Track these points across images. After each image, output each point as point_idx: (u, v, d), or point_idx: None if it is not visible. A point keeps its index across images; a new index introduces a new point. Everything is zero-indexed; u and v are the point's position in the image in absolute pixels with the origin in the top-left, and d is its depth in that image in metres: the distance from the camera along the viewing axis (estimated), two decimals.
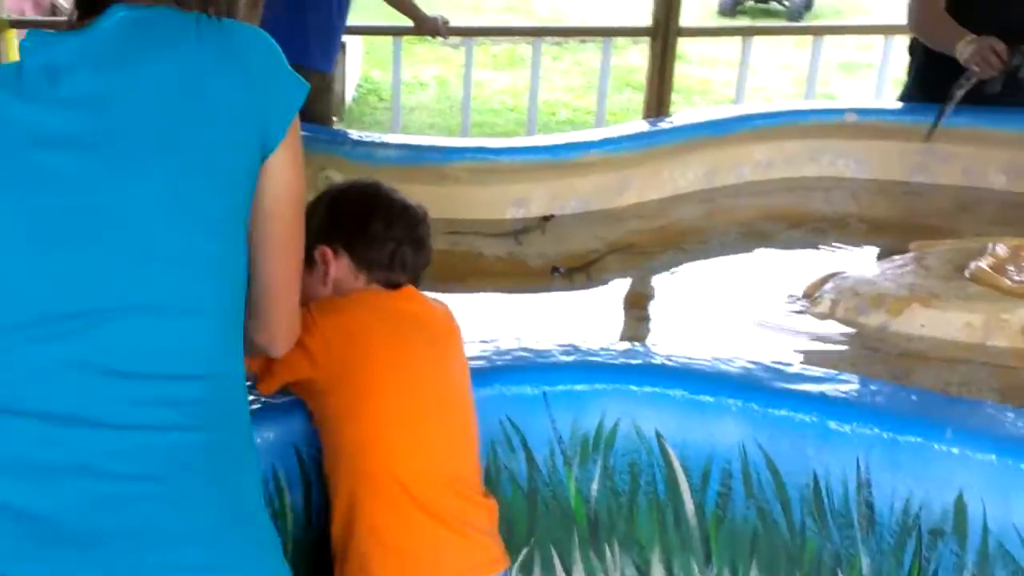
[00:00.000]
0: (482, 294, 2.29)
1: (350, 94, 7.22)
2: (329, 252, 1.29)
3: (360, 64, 7.95)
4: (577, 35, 7.00)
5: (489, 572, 1.22)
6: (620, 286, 2.32)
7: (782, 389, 1.31)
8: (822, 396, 1.30)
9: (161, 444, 0.94)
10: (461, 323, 1.35)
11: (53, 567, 0.92)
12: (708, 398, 1.32)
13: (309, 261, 1.25)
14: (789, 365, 1.37)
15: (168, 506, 0.94)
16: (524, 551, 1.41)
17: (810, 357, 1.69)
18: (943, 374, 1.85)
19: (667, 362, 1.37)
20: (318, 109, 3.16)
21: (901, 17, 3.09)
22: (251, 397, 1.19)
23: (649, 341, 1.99)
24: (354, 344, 1.22)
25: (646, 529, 1.39)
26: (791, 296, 2.16)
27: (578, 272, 2.31)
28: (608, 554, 1.41)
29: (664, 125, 2.89)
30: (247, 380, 1.07)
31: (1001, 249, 2.14)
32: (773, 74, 7.77)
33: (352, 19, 3.42)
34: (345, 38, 6.01)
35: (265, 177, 1.00)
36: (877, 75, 4.11)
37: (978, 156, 2.87)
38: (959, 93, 2.66)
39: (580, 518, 1.40)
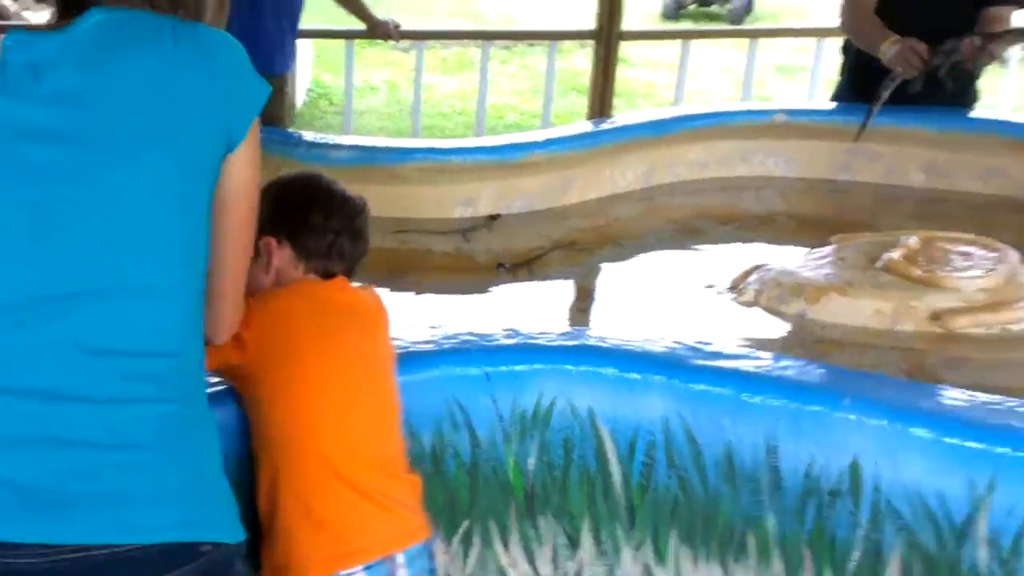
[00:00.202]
0: (432, 288, 2.41)
1: (300, 98, 7.28)
2: (273, 242, 1.39)
3: (310, 68, 8.01)
4: (524, 39, 7.18)
5: (412, 542, 1.32)
6: (562, 280, 2.45)
7: (700, 366, 1.45)
8: (736, 371, 1.44)
9: (137, 415, 1.05)
10: (412, 315, 1.47)
11: (31, 528, 1.01)
12: (636, 375, 1.46)
13: (253, 251, 1.33)
14: (708, 344, 1.51)
15: (142, 471, 1.04)
16: (465, 524, 1.53)
17: (733, 341, 1.82)
18: (855, 358, 2.00)
19: (599, 343, 1.50)
20: (270, 111, 3.24)
21: (834, 20, 3.27)
22: None
23: (594, 329, 2.12)
24: (284, 332, 1.31)
25: (577, 500, 1.52)
26: (719, 287, 2.32)
27: (522, 267, 2.44)
28: (542, 525, 1.54)
29: (604, 126, 3.03)
30: None
31: (913, 241, 2.31)
32: (714, 77, 7.98)
33: (304, 22, 3.51)
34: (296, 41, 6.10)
35: (226, 171, 1.11)
36: (810, 77, 4.29)
37: (899, 155, 3.04)
38: (885, 94, 2.83)
39: (517, 491, 1.52)
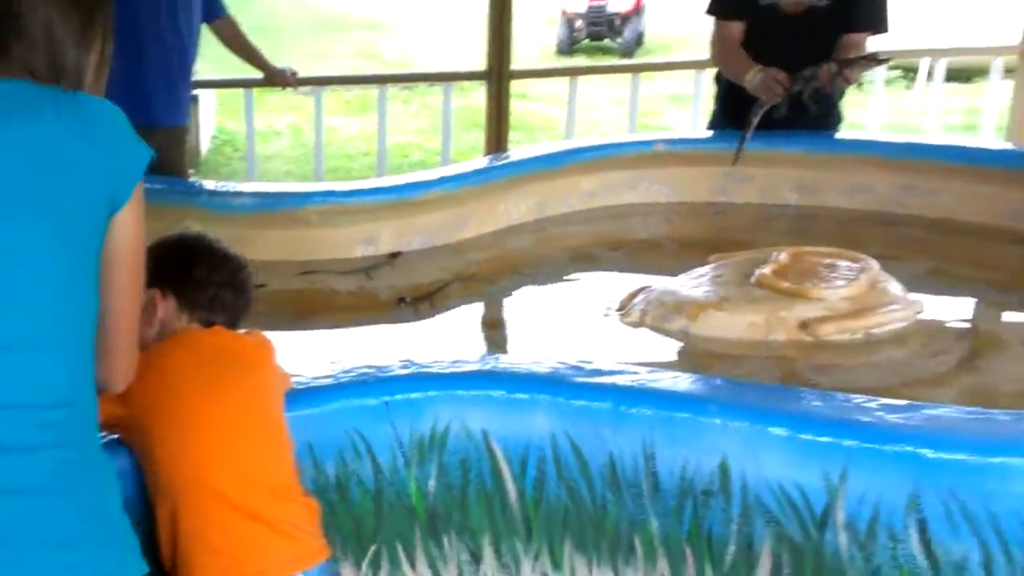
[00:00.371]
0: (337, 326, 2.49)
1: (205, 145, 7.30)
2: (158, 294, 1.48)
3: (214, 116, 8.03)
4: (419, 80, 7.33)
5: (310, 564, 1.41)
6: (462, 311, 2.56)
7: (581, 383, 1.58)
8: (613, 386, 1.57)
9: (35, 462, 1.12)
10: (319, 353, 1.56)
11: None
12: (523, 395, 1.58)
13: None
14: (588, 363, 1.64)
15: (46, 515, 1.12)
16: (372, 548, 1.62)
17: (619, 359, 1.95)
18: (733, 368, 2.15)
19: (488, 368, 1.62)
20: (170, 162, 3.31)
21: None
22: None
23: (486, 355, 2.24)
24: (166, 382, 1.40)
25: (477, 517, 1.62)
26: (608, 309, 2.46)
27: (423, 301, 2.55)
28: (446, 543, 1.64)
29: (496, 162, 3.16)
30: None
31: (783, 257, 2.49)
32: (609, 109, 8.25)
33: (206, 72, 3.58)
34: (197, 91, 6.13)
35: (112, 231, 1.19)
36: (692, 106, 4.52)
37: (772, 176, 3.25)
38: (754, 120, 3.06)
39: (420, 513, 1.62)
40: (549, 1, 14.17)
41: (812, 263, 2.47)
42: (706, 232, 3.16)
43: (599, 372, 1.59)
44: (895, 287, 2.41)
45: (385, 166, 4.38)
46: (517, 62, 4.31)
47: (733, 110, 3.23)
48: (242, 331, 1.57)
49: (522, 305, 2.60)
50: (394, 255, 2.85)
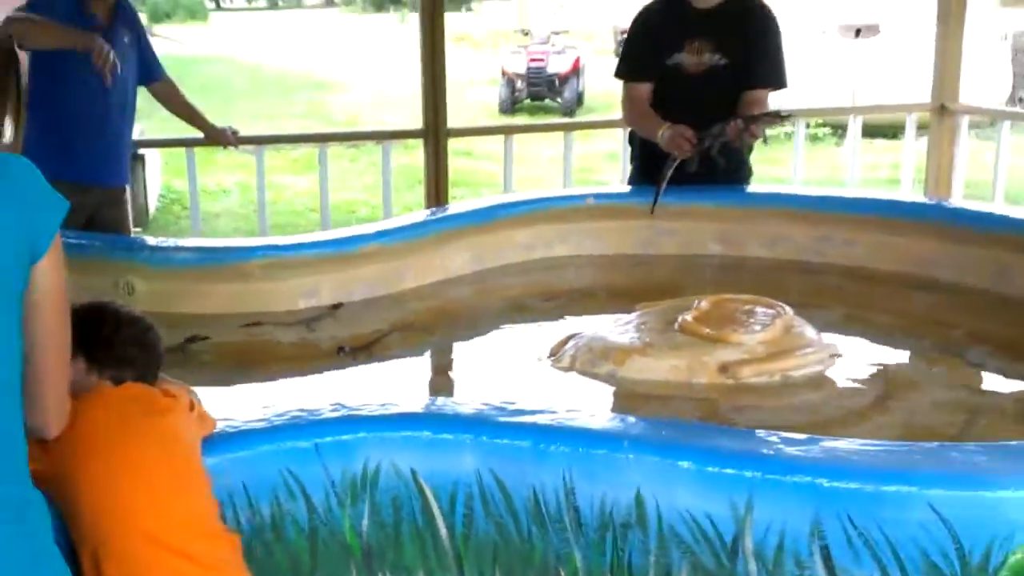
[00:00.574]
0: (278, 376, 2.55)
1: (153, 204, 7.33)
2: None
3: (160, 174, 8.07)
4: (358, 139, 7.47)
5: None
6: (400, 359, 2.63)
7: (503, 423, 1.67)
8: (534, 425, 1.66)
9: None
10: (260, 402, 1.63)
11: None
12: (448, 436, 1.66)
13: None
14: (512, 403, 1.73)
15: None
16: None
17: (550, 402, 2.04)
18: (659, 409, 2.26)
19: (414, 410, 1.70)
20: (112, 221, 3.38)
21: None
22: None
23: (421, 400, 2.31)
24: (79, 435, 1.46)
25: (411, 554, 1.69)
26: (540, 356, 2.56)
27: (362, 350, 2.62)
28: None
29: (434, 216, 3.27)
30: None
31: (705, 304, 2.61)
32: (548, 166, 8.47)
33: (151, 132, 3.64)
34: (142, 150, 6.20)
35: (34, 279, 1.28)
36: (621, 162, 4.69)
37: (695, 229, 3.40)
38: (668, 172, 3.22)
39: (355, 551, 1.68)
40: (490, 62, 14.52)
41: (731, 310, 2.60)
42: (635, 282, 3.28)
43: (520, 412, 1.69)
44: (810, 331, 2.55)
45: (330, 222, 4.46)
46: (461, 121, 4.45)
47: (648, 166, 3.40)
48: (163, 382, 1.65)
49: (458, 353, 2.69)
50: (335, 306, 2.92)
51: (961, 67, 4.77)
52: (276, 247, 2.97)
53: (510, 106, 13.40)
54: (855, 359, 2.53)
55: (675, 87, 3.36)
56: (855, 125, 5.06)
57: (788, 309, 2.57)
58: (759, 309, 2.59)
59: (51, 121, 3.29)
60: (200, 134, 3.94)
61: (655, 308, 2.69)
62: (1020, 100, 12.14)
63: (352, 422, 1.67)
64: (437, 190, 4.35)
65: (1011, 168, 4.91)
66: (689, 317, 2.52)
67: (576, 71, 13.46)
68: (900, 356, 2.73)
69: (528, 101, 13.70)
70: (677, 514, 1.58)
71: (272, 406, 1.70)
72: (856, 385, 2.42)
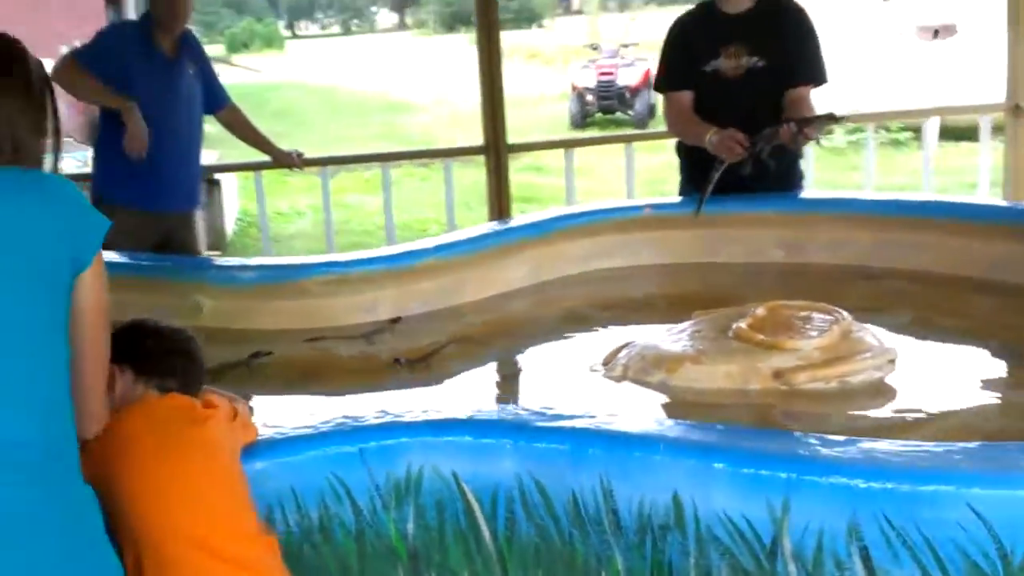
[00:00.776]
0: (338, 388, 2.60)
1: (230, 227, 7.57)
2: (115, 369, 1.64)
3: (237, 198, 8.33)
4: (420, 157, 7.59)
5: None
6: (457, 370, 2.67)
7: (542, 427, 1.69)
8: (571, 429, 1.68)
9: (12, 499, 1.27)
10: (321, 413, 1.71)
11: None
12: (488, 440, 1.69)
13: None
14: (550, 408, 1.76)
15: (23, 549, 1.25)
16: None
17: (589, 407, 2.05)
18: (710, 416, 2.25)
19: (455, 416, 1.74)
20: (182, 243, 3.53)
21: None
22: None
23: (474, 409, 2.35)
24: (124, 442, 1.55)
25: (455, 556, 1.73)
26: (594, 365, 2.57)
27: (419, 362, 2.67)
28: None
29: (491, 229, 3.32)
30: None
31: (760, 311, 2.60)
32: (615, 179, 8.47)
33: (228, 157, 3.77)
34: (219, 175, 6.42)
35: (77, 290, 1.37)
36: None
37: (756, 236, 3.37)
38: (714, 176, 3.22)
39: (402, 553, 1.73)
40: (561, 78, 14.58)
41: (787, 316, 2.58)
42: (695, 291, 3.26)
43: (558, 417, 1.71)
44: (870, 337, 2.50)
45: (395, 239, 4.55)
46: (532, 137, 4.49)
47: (695, 174, 3.41)
48: (208, 391, 1.74)
49: (514, 363, 2.72)
50: (394, 320, 2.98)
51: None
52: (335, 264, 3.05)
53: (581, 120, 13.45)
54: (918, 364, 2.48)
55: (715, 93, 3.36)
56: (930, 127, 4.95)
57: (846, 314, 2.53)
58: (816, 315, 2.56)
59: (115, 145, 3.46)
60: (268, 158, 4.08)
61: (710, 316, 2.68)
62: None
63: (395, 428, 1.72)
64: (500, 205, 4.41)
65: None
66: (743, 324, 2.50)
67: (647, 83, 13.41)
68: (965, 360, 2.66)
69: (599, 115, 13.72)
70: (715, 516, 1.58)
71: (318, 413, 1.76)
72: (917, 390, 2.37)
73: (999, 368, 2.53)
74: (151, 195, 3.46)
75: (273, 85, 16.59)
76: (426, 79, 18.38)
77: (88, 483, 1.48)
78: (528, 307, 3.17)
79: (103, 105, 3.53)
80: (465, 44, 25.10)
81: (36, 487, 1.29)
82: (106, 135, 3.51)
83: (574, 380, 2.50)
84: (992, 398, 2.34)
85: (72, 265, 1.36)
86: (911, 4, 11.63)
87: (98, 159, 3.62)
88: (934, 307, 2.96)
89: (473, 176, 8.20)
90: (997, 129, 4.94)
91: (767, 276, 3.30)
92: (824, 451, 1.54)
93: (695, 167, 3.45)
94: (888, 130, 11.56)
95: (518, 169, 11.02)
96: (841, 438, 1.58)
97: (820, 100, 3.46)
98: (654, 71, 3.75)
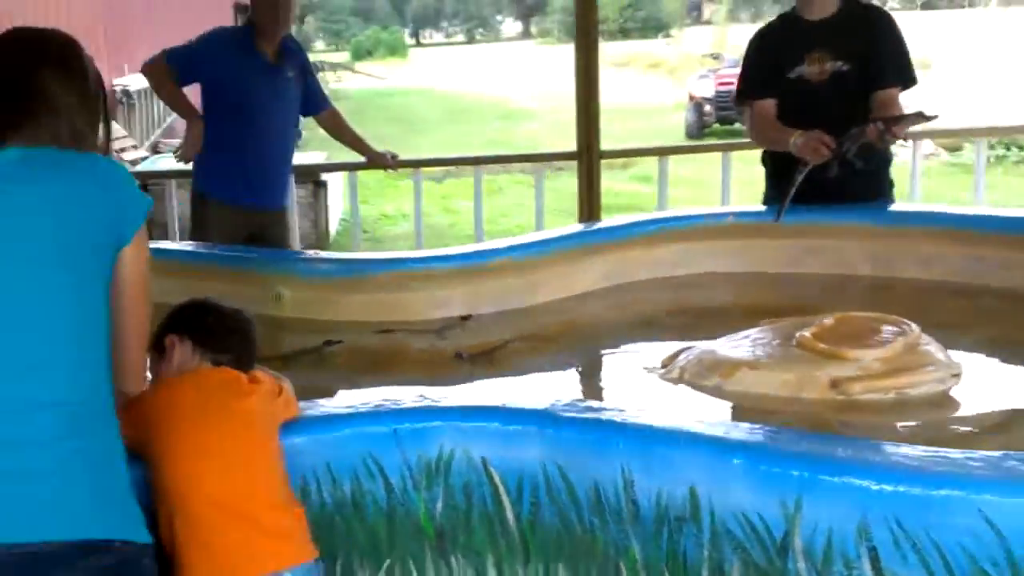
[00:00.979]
0: (405, 379, 2.68)
1: (334, 227, 7.84)
2: (176, 339, 1.80)
3: (341, 199, 8.62)
4: (511, 161, 7.68)
5: (296, 562, 1.62)
6: (517, 366, 2.73)
7: (567, 418, 1.74)
8: (596, 421, 1.72)
9: (55, 451, 1.40)
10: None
11: None
12: (516, 427, 1.75)
13: (161, 348, 1.78)
14: (583, 401, 1.80)
15: (60, 495, 1.39)
16: (387, 563, 1.81)
17: (652, 409, 2.06)
18: (761, 422, 2.24)
19: (485, 403, 1.80)
20: (273, 239, 3.72)
21: None
22: None
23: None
24: (171, 406, 1.68)
25: (480, 538, 1.79)
26: (652, 367, 2.59)
27: (481, 356, 2.75)
28: (453, 562, 1.81)
29: (566, 232, 3.37)
30: None
31: (828, 320, 2.57)
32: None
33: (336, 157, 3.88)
34: (325, 176, 6.68)
35: (120, 263, 1.51)
36: None
37: (843, 248, 3.31)
38: (798, 178, 3.19)
39: (429, 532, 1.80)
40: (682, 88, 14.46)
41: (854, 327, 2.54)
42: (773, 300, 3.21)
43: (584, 408, 1.75)
44: (937, 351, 2.45)
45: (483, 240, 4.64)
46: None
47: (780, 181, 3.37)
48: (258, 369, 1.86)
49: (575, 362, 2.76)
50: (465, 318, 3.07)
51: None
52: (410, 260, 3.16)
53: (697, 130, 13.32)
54: (987, 381, 2.42)
55: (800, 99, 3.33)
56: None
57: (915, 327, 2.48)
58: (884, 327, 2.52)
59: (214, 142, 3.68)
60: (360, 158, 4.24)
61: (776, 324, 2.67)
62: None
63: (428, 412, 1.79)
64: (590, 211, 4.45)
65: None
66: (808, 333, 2.48)
67: None
68: None
69: (717, 125, 13.55)
70: (730, 512, 1.60)
71: (357, 395, 1.85)
72: (980, 406, 2.30)
73: None
74: (244, 190, 3.67)
75: (395, 91, 17.02)
76: (545, 87, 18.53)
77: (134, 441, 1.62)
78: (600, 310, 3.20)
79: (175, 109, 3.80)
80: None
81: (70, 440, 1.42)
82: (206, 133, 3.74)
83: (630, 380, 2.53)
84: None
85: (115, 240, 1.50)
86: None
87: (198, 155, 3.85)
88: (1021, 326, 2.85)
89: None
90: None
91: (850, 289, 3.23)
92: (837, 451, 1.54)
93: (781, 175, 3.41)
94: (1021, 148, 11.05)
95: (628, 179, 11.04)
96: (854, 438, 1.57)
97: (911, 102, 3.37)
98: None
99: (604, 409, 1.76)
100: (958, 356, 2.44)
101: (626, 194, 9.89)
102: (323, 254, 3.29)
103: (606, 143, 4.51)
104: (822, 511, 1.51)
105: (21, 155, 1.48)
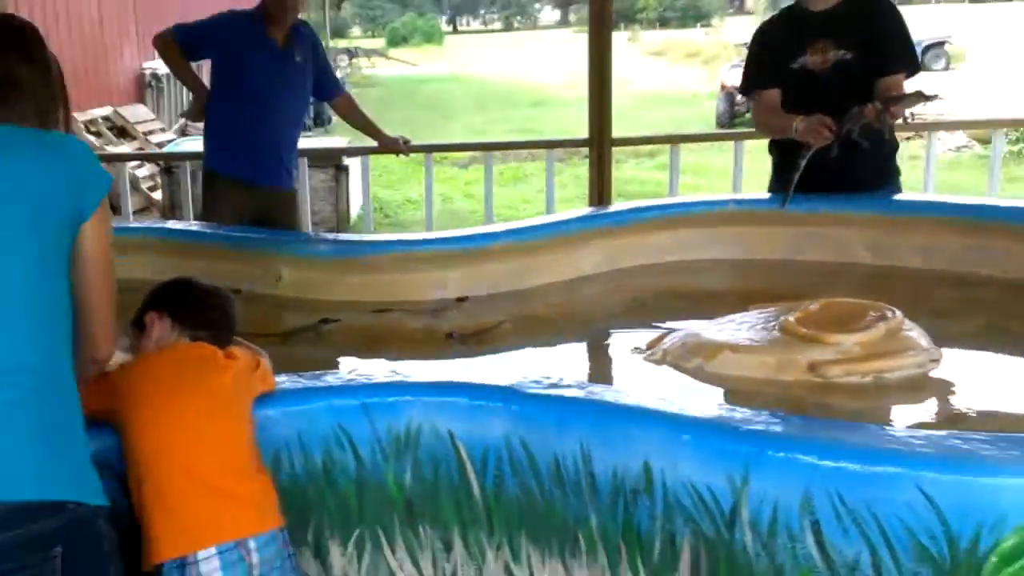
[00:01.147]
0: (396, 356, 2.75)
1: (355, 212, 7.92)
2: (155, 315, 1.86)
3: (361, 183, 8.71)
4: (523, 148, 7.67)
5: (261, 530, 1.67)
6: (507, 346, 2.78)
7: (530, 394, 1.79)
8: (558, 397, 1.77)
9: (8, 416, 1.45)
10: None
11: None
12: (482, 403, 1.80)
13: (141, 324, 1.85)
14: (548, 378, 1.85)
15: (13, 460, 1.44)
16: (356, 531, 1.88)
17: (635, 390, 2.09)
18: (741, 403, 2.27)
19: (453, 379, 1.86)
20: (281, 222, 3.79)
21: None
22: None
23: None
24: (147, 378, 1.75)
25: (447, 508, 1.85)
26: (637, 348, 2.63)
27: (471, 337, 2.81)
28: (421, 532, 1.87)
29: (564, 217, 3.41)
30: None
31: (813, 306, 2.59)
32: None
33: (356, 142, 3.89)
34: (347, 160, 6.76)
35: (81, 237, 1.57)
36: None
37: (842, 236, 3.31)
38: (802, 163, 3.21)
39: (398, 503, 1.87)
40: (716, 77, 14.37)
41: (837, 312, 2.55)
42: (770, 287, 3.21)
43: (547, 385, 1.80)
44: (919, 336, 2.46)
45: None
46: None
47: (785, 168, 3.38)
48: (235, 344, 1.92)
49: (563, 343, 2.81)
50: (461, 299, 3.12)
51: None
52: (407, 242, 3.22)
53: (728, 119, 13.27)
54: (968, 366, 2.43)
55: (804, 88, 3.34)
56: None
57: (898, 313, 2.50)
58: (869, 313, 2.53)
59: (222, 121, 3.78)
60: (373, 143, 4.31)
61: (764, 309, 2.69)
62: None
63: (398, 387, 1.85)
64: (600, 198, 4.47)
65: None
66: (792, 318, 2.51)
67: None
68: (1019, 366, 2.56)
69: (748, 115, 13.47)
70: (681, 485, 1.64)
71: (327, 371, 1.91)
72: (956, 391, 2.32)
73: None
74: (250, 167, 3.75)
75: (428, 77, 17.07)
76: (581, 75, 18.47)
77: (107, 410, 1.69)
78: (596, 294, 3.24)
79: (183, 82, 3.92)
80: (623, 42, 25.10)
81: (22, 406, 1.47)
82: (215, 109, 3.83)
83: (612, 361, 2.58)
84: None
85: (76, 215, 1.57)
86: None
87: (207, 132, 3.94)
88: (1016, 315, 2.85)
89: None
90: None
91: (848, 277, 3.24)
92: (782, 428, 1.58)
93: (786, 163, 3.43)
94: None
95: (654, 167, 11.01)
96: (800, 416, 1.61)
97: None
98: None
99: (566, 386, 1.80)
100: (945, 343, 2.46)
101: (652, 182, 9.88)
102: (323, 235, 3.35)
103: (635, 130, 4.53)
104: (768, 485, 1.56)
105: None
